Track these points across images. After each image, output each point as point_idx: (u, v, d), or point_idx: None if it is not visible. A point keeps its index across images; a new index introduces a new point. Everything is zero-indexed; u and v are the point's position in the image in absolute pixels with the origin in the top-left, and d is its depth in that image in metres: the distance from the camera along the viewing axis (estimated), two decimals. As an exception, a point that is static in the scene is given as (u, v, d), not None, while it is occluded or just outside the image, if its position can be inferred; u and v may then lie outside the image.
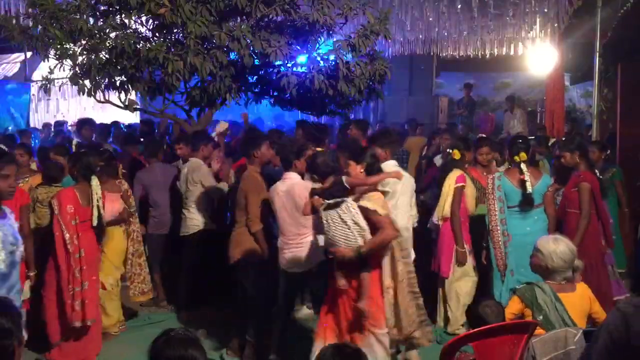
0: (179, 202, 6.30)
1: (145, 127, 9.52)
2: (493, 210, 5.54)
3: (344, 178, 4.12)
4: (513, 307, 3.53)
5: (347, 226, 3.91)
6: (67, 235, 4.93)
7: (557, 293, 3.48)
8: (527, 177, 5.39)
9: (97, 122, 9.61)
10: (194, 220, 6.10)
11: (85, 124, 8.86)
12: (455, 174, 5.73)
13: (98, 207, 5.05)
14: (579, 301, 3.55)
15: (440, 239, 5.81)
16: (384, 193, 4.65)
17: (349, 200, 3.99)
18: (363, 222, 3.95)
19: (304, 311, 6.06)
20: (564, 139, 8.91)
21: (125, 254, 5.99)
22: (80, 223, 4.99)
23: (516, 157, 5.49)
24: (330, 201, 4.02)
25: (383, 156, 5.26)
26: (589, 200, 5.29)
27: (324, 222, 4.01)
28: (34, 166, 6.72)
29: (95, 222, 5.06)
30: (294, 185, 4.85)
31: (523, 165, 5.43)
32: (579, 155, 5.47)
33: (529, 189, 5.37)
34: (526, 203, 5.42)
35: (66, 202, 4.95)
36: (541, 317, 3.38)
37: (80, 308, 4.95)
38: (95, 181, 5.05)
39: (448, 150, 6.06)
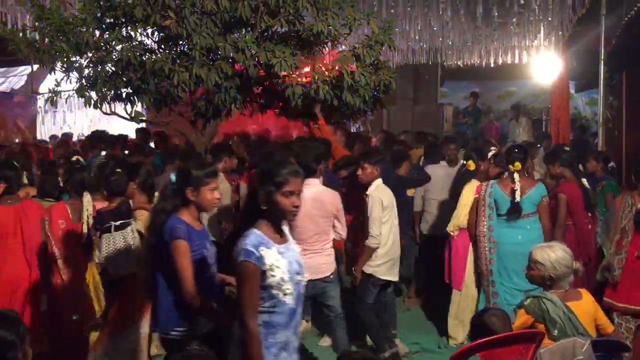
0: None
1: (141, 135, 9.54)
2: (482, 216, 5.53)
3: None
4: (520, 321, 3.49)
5: (127, 249, 4.13)
6: (56, 251, 4.92)
7: (566, 302, 3.45)
8: (517, 186, 5.38)
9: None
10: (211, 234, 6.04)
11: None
12: (474, 184, 5.71)
13: (88, 223, 5.01)
14: (587, 308, 3.53)
15: (453, 251, 5.77)
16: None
17: (134, 223, 4.21)
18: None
19: (302, 325, 6.04)
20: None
21: None
22: (70, 239, 4.97)
23: (511, 166, 5.48)
24: (117, 223, 4.22)
25: (372, 174, 5.32)
26: (564, 211, 5.57)
27: (104, 243, 4.18)
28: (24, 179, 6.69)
29: (84, 238, 5.01)
30: (323, 192, 4.92)
31: (516, 175, 5.42)
32: (560, 167, 5.81)
33: (517, 197, 5.36)
34: (513, 212, 5.40)
35: (57, 217, 4.94)
36: (557, 332, 3.34)
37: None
38: (87, 197, 5.01)
39: (463, 161, 6.05)
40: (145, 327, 4.55)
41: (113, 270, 4.31)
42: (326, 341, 5.81)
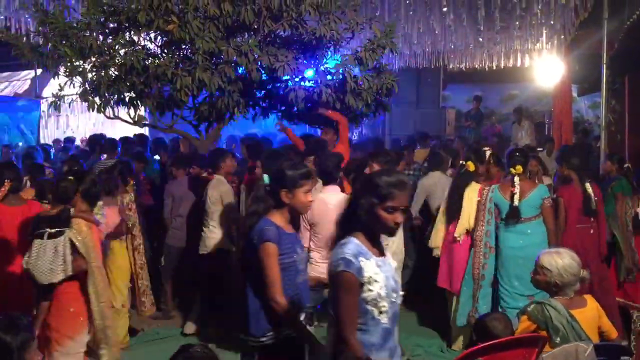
0: (196, 218, 6.33)
1: (140, 140, 9.56)
2: (481, 221, 5.52)
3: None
4: (522, 327, 3.48)
5: (58, 258, 4.10)
6: None
7: (569, 310, 3.43)
8: (517, 189, 5.37)
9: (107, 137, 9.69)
10: (213, 239, 5.98)
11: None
12: (475, 187, 5.70)
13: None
14: (592, 315, 3.52)
15: (454, 254, 5.74)
16: None
17: (69, 232, 4.17)
18: (69, 258, 4.13)
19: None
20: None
21: (134, 269, 6.01)
22: None
23: (512, 169, 5.47)
24: (52, 230, 4.17)
25: None
26: (563, 214, 5.64)
27: (34, 248, 4.13)
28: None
29: None
30: (342, 199, 4.82)
31: (516, 178, 5.42)
32: (567, 169, 5.82)
33: (516, 202, 5.36)
34: (512, 216, 5.39)
35: None
36: (559, 339, 3.32)
37: None
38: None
39: (462, 162, 6.03)
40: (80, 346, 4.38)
41: (38, 277, 4.27)
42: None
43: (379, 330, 2.72)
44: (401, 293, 2.84)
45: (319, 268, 4.83)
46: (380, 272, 2.71)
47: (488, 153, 5.87)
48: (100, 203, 4.80)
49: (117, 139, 9.45)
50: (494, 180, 5.85)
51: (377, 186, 2.68)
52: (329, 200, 4.84)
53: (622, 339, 5.03)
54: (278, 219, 3.44)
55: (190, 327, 6.10)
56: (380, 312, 2.70)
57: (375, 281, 2.68)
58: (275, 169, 3.59)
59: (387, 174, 2.76)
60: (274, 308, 3.30)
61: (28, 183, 6.36)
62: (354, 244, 2.70)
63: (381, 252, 2.82)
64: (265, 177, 3.54)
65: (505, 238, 5.43)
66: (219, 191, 5.93)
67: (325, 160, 5.16)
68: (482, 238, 5.48)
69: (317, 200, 4.89)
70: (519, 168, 5.42)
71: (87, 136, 12.98)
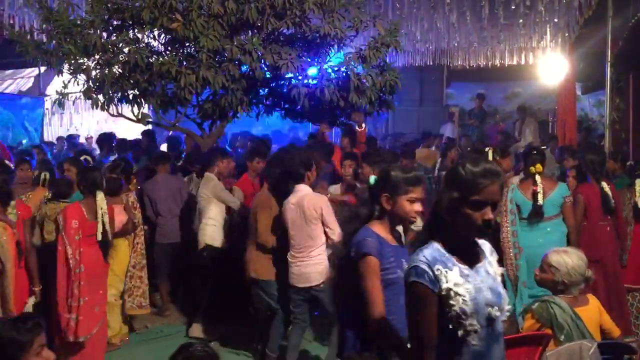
0: (188, 214, 6.34)
1: (146, 138, 9.57)
2: (505, 222, 5.50)
3: None
4: (526, 325, 3.47)
5: None
6: (69, 250, 4.94)
7: (573, 308, 3.43)
8: (539, 188, 5.36)
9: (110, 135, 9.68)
10: (206, 236, 5.99)
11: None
12: None
13: (103, 221, 5.08)
14: (594, 313, 3.53)
15: None
16: None
17: None
18: None
19: None
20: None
21: (127, 266, 6.02)
22: (86, 237, 5.01)
23: (532, 168, 5.45)
24: None
25: (370, 174, 5.30)
26: (581, 211, 5.59)
27: None
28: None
29: (99, 237, 5.09)
30: (304, 197, 4.87)
31: (538, 177, 5.40)
32: (584, 167, 5.84)
33: (540, 200, 5.34)
34: (535, 215, 5.38)
35: (72, 217, 4.97)
36: (563, 337, 3.33)
37: (75, 323, 4.92)
38: (100, 196, 5.08)
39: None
40: None
41: None
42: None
43: (466, 353, 2.26)
44: (507, 308, 2.37)
45: (291, 269, 4.89)
46: (468, 284, 2.26)
47: (490, 152, 5.87)
48: (12, 202, 4.82)
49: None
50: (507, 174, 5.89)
51: (459, 177, 2.27)
52: (290, 201, 4.88)
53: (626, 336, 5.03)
54: (379, 228, 2.97)
55: (196, 330, 6.01)
56: (467, 333, 2.24)
57: (458, 294, 2.23)
58: (383, 169, 3.16)
59: (473, 163, 2.32)
60: (372, 330, 2.86)
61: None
62: (432, 249, 2.30)
63: (472, 259, 2.35)
64: (372, 178, 3.11)
65: (524, 237, 5.42)
66: (208, 188, 5.95)
67: (289, 160, 5.13)
68: (510, 239, 5.44)
69: (284, 203, 4.95)
70: (539, 167, 5.41)
71: (91, 134, 13.02)
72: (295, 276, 4.89)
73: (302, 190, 4.94)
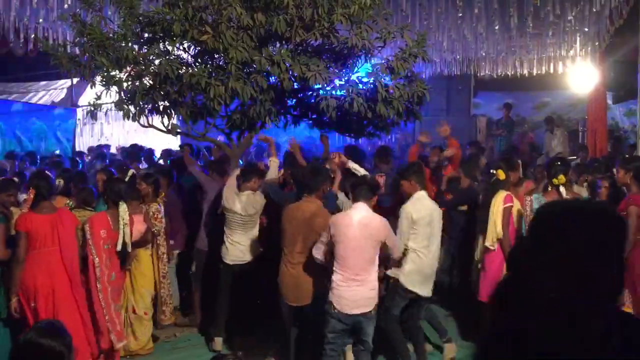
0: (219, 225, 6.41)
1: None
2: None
3: None
4: None
5: None
6: (96, 260, 5.04)
7: None
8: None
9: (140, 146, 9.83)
10: (232, 247, 6.04)
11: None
12: (501, 194, 5.64)
13: (123, 232, 5.16)
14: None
15: (488, 263, 5.68)
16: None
17: None
18: None
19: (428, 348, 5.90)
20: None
21: (157, 277, 6.08)
22: (112, 247, 5.13)
23: (555, 180, 5.38)
24: None
25: (410, 188, 5.35)
26: (636, 223, 5.25)
27: None
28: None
29: (119, 247, 5.17)
30: (373, 219, 4.82)
31: (562, 188, 5.33)
32: (632, 177, 5.48)
33: None
34: None
35: (99, 226, 5.07)
36: None
37: (118, 328, 5.05)
38: (123, 207, 5.17)
39: (492, 171, 5.99)
40: None
41: None
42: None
43: None
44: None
45: (340, 292, 4.73)
46: None
47: (500, 173, 5.78)
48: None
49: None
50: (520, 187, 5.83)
51: None
52: (353, 218, 4.80)
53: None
54: None
55: (217, 344, 5.78)
56: None
57: None
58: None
59: None
60: None
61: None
62: None
63: None
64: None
65: None
66: (258, 205, 6.03)
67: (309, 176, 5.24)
68: None
69: (335, 218, 4.88)
70: (562, 178, 5.34)
71: (121, 144, 13.23)
72: (346, 301, 4.71)
73: (363, 208, 4.86)
